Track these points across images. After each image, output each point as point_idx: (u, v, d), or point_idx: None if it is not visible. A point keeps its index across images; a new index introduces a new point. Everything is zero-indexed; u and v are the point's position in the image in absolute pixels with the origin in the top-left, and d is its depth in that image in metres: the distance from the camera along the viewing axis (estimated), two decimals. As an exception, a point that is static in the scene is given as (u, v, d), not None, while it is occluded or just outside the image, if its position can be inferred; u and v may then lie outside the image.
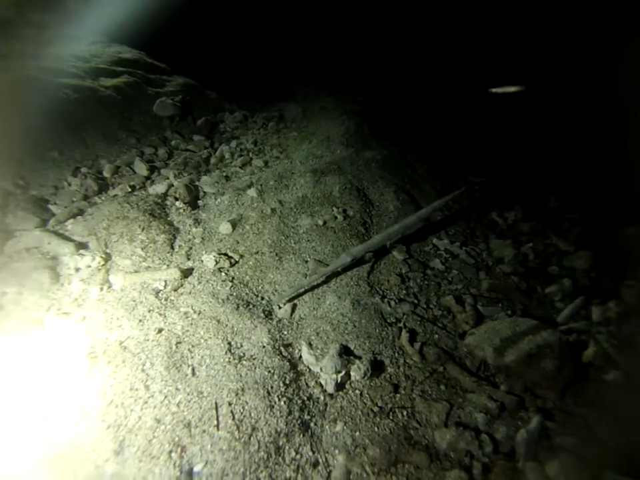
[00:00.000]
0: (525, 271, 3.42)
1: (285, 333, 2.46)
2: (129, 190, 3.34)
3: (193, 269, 2.74)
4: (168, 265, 2.70)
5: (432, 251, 3.48)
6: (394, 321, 2.73)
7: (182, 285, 2.58)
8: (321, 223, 3.22)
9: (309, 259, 2.97)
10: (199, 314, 2.39)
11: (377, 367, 2.38)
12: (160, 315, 2.35)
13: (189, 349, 2.18)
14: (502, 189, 4.88)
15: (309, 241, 3.09)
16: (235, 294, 2.58)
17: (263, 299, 2.65)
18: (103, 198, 3.27)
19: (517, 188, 4.93)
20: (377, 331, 2.60)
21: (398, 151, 4.58)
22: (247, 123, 5.05)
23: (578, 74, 6.04)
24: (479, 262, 3.47)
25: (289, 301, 2.69)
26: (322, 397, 2.18)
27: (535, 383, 2.46)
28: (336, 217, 3.29)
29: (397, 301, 2.87)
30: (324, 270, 2.81)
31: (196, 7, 7.11)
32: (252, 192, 3.51)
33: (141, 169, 3.77)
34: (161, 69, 5.77)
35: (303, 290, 2.76)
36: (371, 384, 2.31)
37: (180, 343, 2.20)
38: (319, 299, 2.73)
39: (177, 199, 3.36)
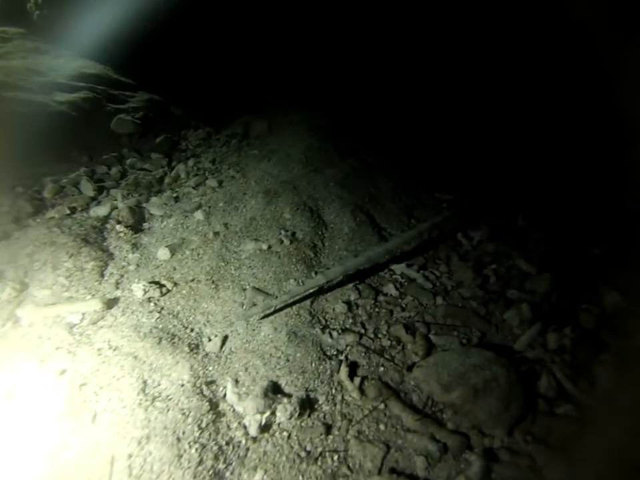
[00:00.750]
0: (484, 295, 3.28)
1: (211, 368, 2.29)
2: (68, 212, 3.18)
3: (118, 299, 2.57)
4: (93, 295, 2.53)
5: (387, 275, 3.33)
6: (335, 353, 2.58)
7: (102, 318, 2.41)
8: (265, 247, 3.07)
9: (247, 287, 2.81)
10: (115, 350, 2.22)
11: (307, 406, 2.21)
12: (69, 352, 2.17)
13: (94, 392, 2.00)
14: (470, 207, 4.76)
15: (250, 267, 2.94)
16: (160, 326, 2.42)
17: (192, 330, 2.49)
18: (38, 220, 3.11)
19: (486, 205, 4.83)
20: (314, 365, 2.44)
21: (362, 167, 4.46)
22: (210, 141, 4.93)
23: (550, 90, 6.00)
24: (437, 286, 3.33)
25: (263, 317, 2.64)
26: (243, 441, 2.01)
27: (481, 421, 2.30)
28: (282, 241, 3.14)
29: (340, 331, 2.72)
30: (297, 289, 2.72)
31: (169, 23, 7.03)
32: (199, 214, 3.37)
33: (87, 189, 3.62)
34: (126, 84, 5.66)
35: (272, 309, 2.65)
36: (301, 425, 2.14)
37: (85, 384, 2.02)
38: (254, 330, 2.57)
39: (119, 222, 3.21)
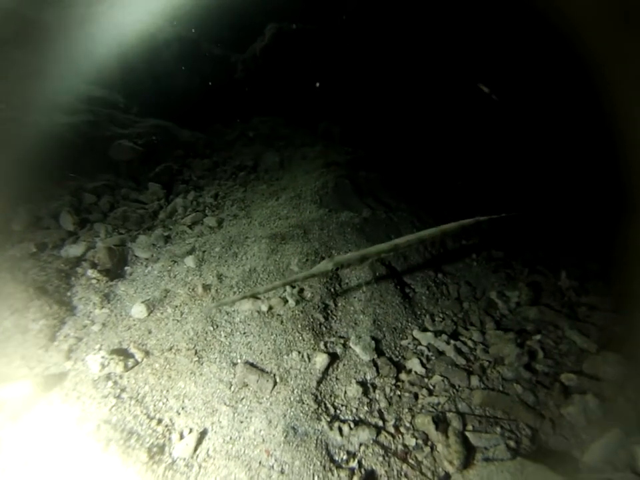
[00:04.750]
0: (532, 378, 2.64)
1: (175, 486, 1.68)
2: (34, 250, 2.67)
3: (64, 376, 1.98)
4: (30, 369, 1.95)
5: (410, 345, 2.73)
6: (345, 458, 1.97)
7: (32, 407, 1.80)
8: (265, 308, 2.50)
9: (238, 361, 2.22)
10: (28, 465, 1.59)
11: None
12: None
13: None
14: (502, 259, 4.16)
15: (244, 333, 2.36)
16: (114, 419, 1.82)
17: (159, 422, 1.89)
18: (-4, 260, 2.59)
19: (520, 257, 4.22)
20: (317, 479, 1.82)
21: (383, 210, 3.93)
22: (216, 172, 4.47)
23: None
24: (471, 362, 2.72)
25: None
26: None
27: None
28: (286, 301, 2.56)
29: (352, 424, 2.11)
30: (299, 274, 2.19)
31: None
32: (190, 260, 2.83)
33: (67, 222, 3.14)
34: (133, 109, 5.30)
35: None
36: None
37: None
38: (241, 422, 1.97)
39: (93, 266, 2.69)
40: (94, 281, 2.58)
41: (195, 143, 5.06)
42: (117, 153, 4.23)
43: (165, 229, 3.31)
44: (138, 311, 2.38)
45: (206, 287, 2.57)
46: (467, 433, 2.21)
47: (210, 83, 6.81)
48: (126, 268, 2.86)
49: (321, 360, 2.29)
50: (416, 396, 2.40)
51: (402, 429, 2.20)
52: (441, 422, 2.24)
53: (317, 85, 6.19)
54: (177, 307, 2.46)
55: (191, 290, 2.57)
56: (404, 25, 6.57)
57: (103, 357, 2.00)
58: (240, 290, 2.60)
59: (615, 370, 2.61)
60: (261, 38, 6.61)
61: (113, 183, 3.96)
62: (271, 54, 6.48)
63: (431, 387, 2.48)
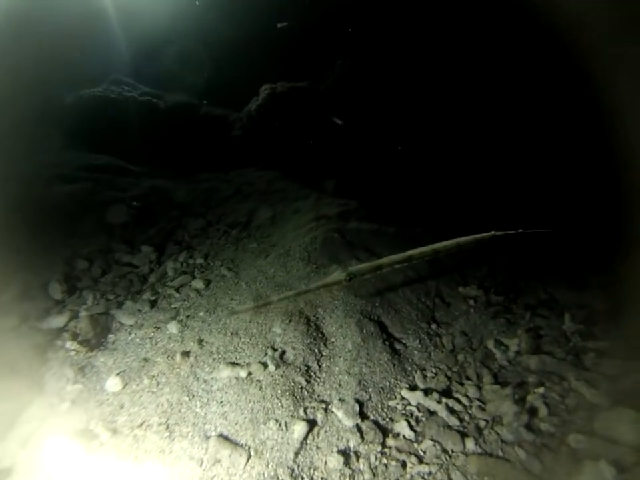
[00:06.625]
0: (535, 440, 2.43)
1: None
2: (16, 323, 2.68)
3: (15, 471, 1.87)
4: None
5: (399, 406, 2.59)
6: None
7: None
8: (244, 374, 2.42)
9: (212, 434, 2.13)
10: None
11: None
12: None
13: None
14: (501, 303, 4.01)
15: (221, 403, 2.28)
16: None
17: (121, 513, 1.79)
18: (-23, 336, 2.60)
19: (521, 300, 4.07)
20: None
21: (374, 264, 3.88)
22: (209, 231, 4.53)
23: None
24: (466, 422, 2.55)
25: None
26: None
27: None
28: (266, 365, 2.49)
29: (332, 504, 1.96)
30: (312, 285, 2.17)
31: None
32: (172, 326, 2.81)
33: (55, 291, 3.17)
34: (131, 171, 5.51)
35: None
36: None
37: None
38: (211, 507, 1.85)
39: (74, 337, 2.68)
40: (72, 353, 2.56)
41: (190, 202, 5.18)
42: (113, 216, 4.35)
43: (152, 293, 3.31)
44: (112, 384, 2.33)
45: (184, 354, 2.52)
46: (463, 510, 2.04)
47: (209, 142, 7.11)
48: (109, 336, 2.85)
49: (299, 428, 2.18)
50: (404, 464, 2.24)
51: (390, 506, 2.04)
52: (433, 495, 2.08)
53: (311, 140, 6.38)
54: (153, 377, 2.40)
55: (169, 358, 2.52)
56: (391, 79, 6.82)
57: (62, 442, 1.92)
58: (220, 356, 2.54)
59: (632, 430, 2.34)
60: (256, 98, 6.94)
61: (107, 247, 4.03)
62: (266, 112, 6.77)
63: (421, 453, 2.32)
